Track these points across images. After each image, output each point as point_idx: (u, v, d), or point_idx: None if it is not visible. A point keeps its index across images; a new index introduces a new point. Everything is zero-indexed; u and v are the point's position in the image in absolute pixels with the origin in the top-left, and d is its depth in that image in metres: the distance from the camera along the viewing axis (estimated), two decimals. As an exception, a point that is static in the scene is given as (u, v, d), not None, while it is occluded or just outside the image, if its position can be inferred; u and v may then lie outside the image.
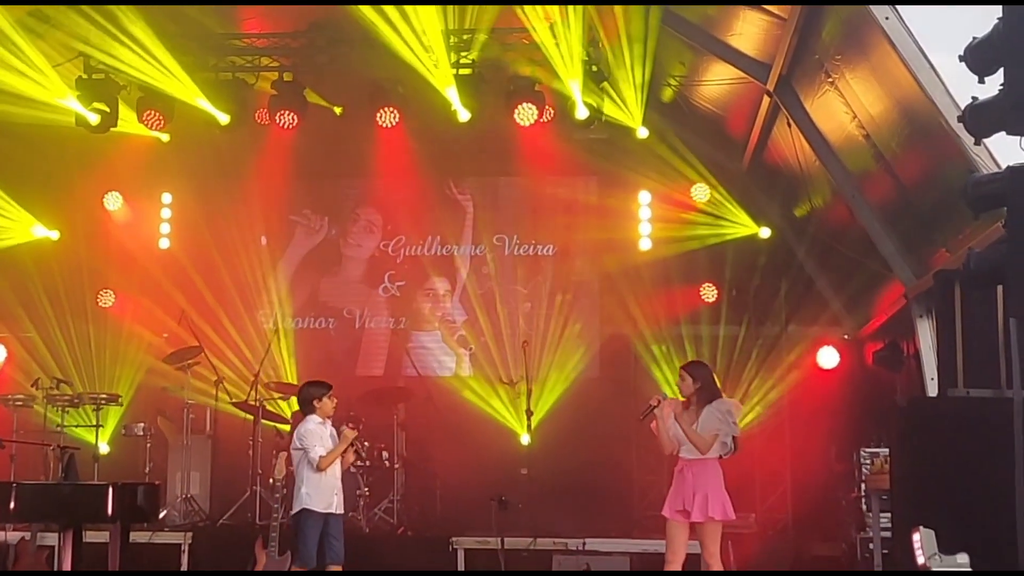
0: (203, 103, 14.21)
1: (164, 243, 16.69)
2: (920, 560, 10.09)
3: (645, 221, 16.04)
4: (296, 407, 14.52)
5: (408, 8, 12.93)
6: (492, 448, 15.02)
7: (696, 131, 15.48)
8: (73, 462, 11.37)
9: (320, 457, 10.45)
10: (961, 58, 6.90)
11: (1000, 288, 7.44)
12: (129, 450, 14.77)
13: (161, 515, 13.05)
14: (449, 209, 16.59)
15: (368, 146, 15.36)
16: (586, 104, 13.66)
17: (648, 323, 15.63)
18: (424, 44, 13.34)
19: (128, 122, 14.50)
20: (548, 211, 16.41)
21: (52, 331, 16.04)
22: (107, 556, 9.99)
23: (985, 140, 7.66)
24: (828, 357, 15.35)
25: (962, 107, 7.15)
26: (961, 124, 7.21)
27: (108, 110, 14.09)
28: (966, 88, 7.02)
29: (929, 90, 9.50)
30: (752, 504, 14.52)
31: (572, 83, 13.45)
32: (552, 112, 14.05)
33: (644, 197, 16.05)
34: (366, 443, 12.63)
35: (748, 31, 12.33)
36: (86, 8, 13.08)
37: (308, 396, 10.74)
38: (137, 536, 11.65)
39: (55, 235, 16.09)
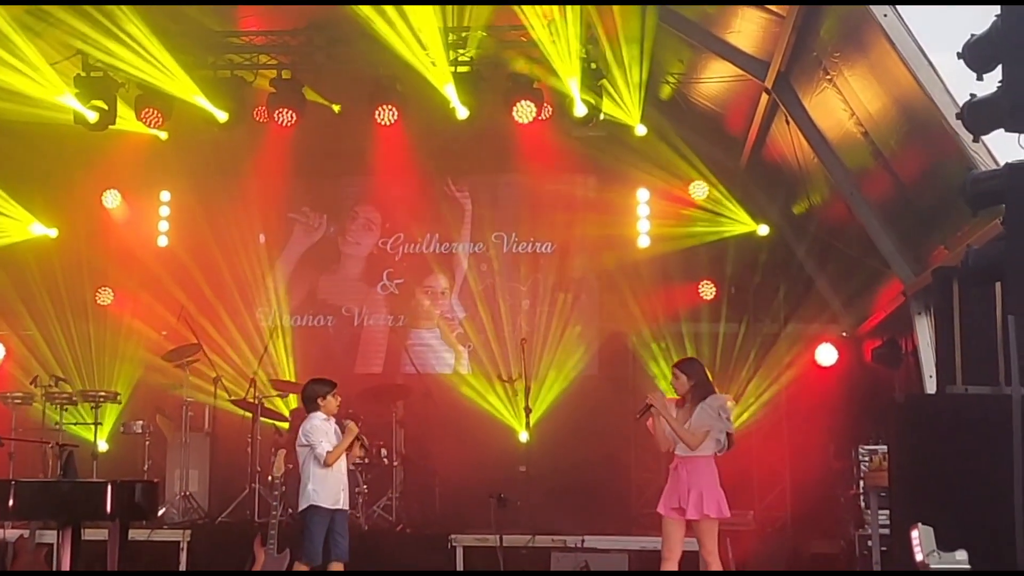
0: (201, 101, 14.21)
1: (163, 241, 16.70)
2: (919, 557, 10.10)
3: (644, 218, 16.05)
4: (295, 404, 14.65)
5: (406, 6, 12.93)
6: (491, 446, 15.03)
7: (695, 128, 15.48)
8: (72, 460, 11.33)
9: (327, 452, 10.46)
10: (959, 55, 6.91)
11: (998, 285, 7.46)
12: (128, 448, 14.78)
13: (160, 513, 13.04)
14: (448, 207, 16.60)
15: (367, 144, 15.37)
16: (584, 102, 13.65)
17: (647, 320, 15.63)
18: (422, 42, 13.34)
19: (126, 120, 14.50)
20: (547, 209, 16.40)
21: (51, 329, 16.06)
22: (106, 554, 9.99)
23: (983, 137, 7.66)
24: (826, 354, 15.36)
25: (960, 104, 7.16)
26: (959, 121, 7.23)
27: (106, 108, 14.10)
28: (964, 85, 7.04)
29: (927, 87, 9.50)
30: (751, 501, 14.53)
31: (570, 81, 13.44)
32: (550, 110, 14.06)
33: (643, 194, 16.06)
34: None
35: (747, 29, 12.33)
36: (84, 6, 13.07)
37: (312, 394, 10.75)
38: (136, 534, 11.64)
39: (54, 233, 16.10)
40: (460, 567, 12.78)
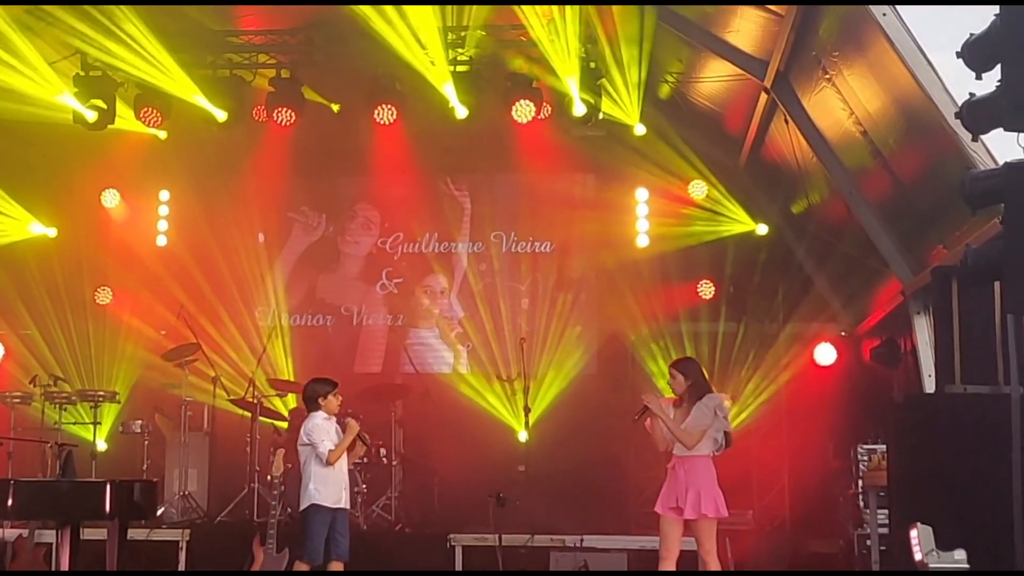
0: (201, 100, 14.20)
1: (162, 240, 16.69)
2: (917, 556, 10.11)
3: (643, 218, 16.06)
4: (294, 404, 14.66)
5: (405, 6, 12.93)
6: (490, 445, 15.03)
7: (693, 128, 15.48)
8: (71, 459, 11.32)
9: (329, 451, 10.47)
10: (958, 54, 6.92)
11: (997, 284, 7.46)
12: (127, 447, 14.76)
13: (159, 512, 13.01)
14: (447, 206, 16.60)
15: (366, 143, 15.37)
16: (583, 101, 13.66)
17: (646, 320, 15.63)
18: (422, 41, 13.34)
19: (126, 119, 14.49)
20: (546, 208, 16.40)
21: (50, 328, 16.05)
22: (105, 553, 9.98)
23: (982, 136, 7.66)
24: (825, 354, 15.37)
25: (959, 103, 7.16)
26: (958, 120, 7.23)
27: (105, 107, 14.09)
28: (963, 85, 7.04)
29: (926, 87, 9.50)
30: (750, 501, 14.54)
31: (569, 80, 13.44)
32: (549, 109, 14.06)
33: (641, 194, 16.06)
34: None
35: (746, 28, 12.33)
36: (83, 6, 13.07)
37: (313, 393, 10.75)
38: (135, 533, 11.63)
39: (53, 232, 16.10)
40: (459, 566, 12.78)
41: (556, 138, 14.92)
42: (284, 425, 14.32)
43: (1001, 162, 7.15)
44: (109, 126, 14.25)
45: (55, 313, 16.08)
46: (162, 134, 15.04)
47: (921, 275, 11.68)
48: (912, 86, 9.67)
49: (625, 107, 14.15)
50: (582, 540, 12.81)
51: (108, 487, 9.64)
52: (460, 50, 13.79)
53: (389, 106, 14.12)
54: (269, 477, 11.62)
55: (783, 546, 14.22)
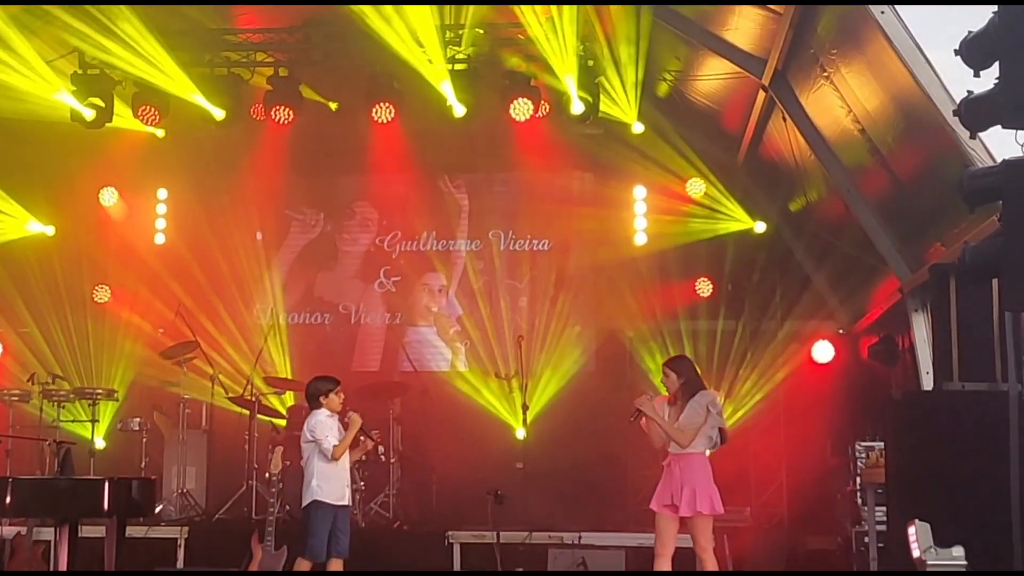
0: (198, 99, 14.20)
1: (160, 238, 16.69)
2: (916, 553, 10.11)
3: (640, 216, 16.06)
4: (292, 402, 14.66)
5: (403, 5, 12.94)
6: (488, 443, 15.03)
7: (691, 126, 15.48)
8: (69, 457, 11.34)
9: (333, 446, 10.49)
10: (957, 52, 6.92)
11: (995, 282, 7.46)
12: (125, 445, 14.76)
13: (157, 510, 13.00)
14: (445, 204, 16.59)
15: (363, 141, 15.37)
16: (581, 99, 13.67)
17: (644, 317, 15.64)
18: (419, 39, 13.34)
19: (123, 118, 14.48)
20: (544, 206, 16.39)
21: (48, 326, 16.04)
22: (103, 551, 10.00)
23: (980, 134, 7.67)
24: (823, 351, 15.37)
25: (957, 101, 7.17)
26: (956, 118, 7.23)
27: (103, 105, 14.09)
28: (962, 82, 7.04)
29: (924, 84, 9.50)
30: (747, 498, 14.55)
31: (567, 78, 13.45)
32: (547, 107, 14.08)
33: (639, 192, 16.07)
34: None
35: (743, 26, 12.33)
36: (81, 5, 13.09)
37: (316, 391, 10.77)
38: (133, 531, 11.64)
39: (51, 230, 16.09)
40: (457, 564, 12.79)
41: (554, 136, 14.94)
42: (282, 423, 14.33)
43: (999, 160, 7.15)
44: (107, 124, 14.25)
45: (53, 311, 16.08)
46: (160, 132, 15.03)
47: (919, 273, 11.68)
48: (910, 84, 9.67)
49: (623, 105, 14.16)
50: (580, 537, 12.83)
51: (106, 485, 9.66)
52: (458, 48, 13.79)
53: (387, 104, 14.13)
54: (267, 475, 11.62)
55: (781, 543, 14.22)
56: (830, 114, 11.96)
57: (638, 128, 14.47)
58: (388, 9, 12.95)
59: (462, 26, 13.69)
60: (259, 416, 14.25)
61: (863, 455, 12.45)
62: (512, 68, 13.94)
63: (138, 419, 14.54)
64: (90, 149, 15.18)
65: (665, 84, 14.98)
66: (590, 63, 13.71)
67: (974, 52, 6.83)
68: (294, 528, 12.21)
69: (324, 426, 10.59)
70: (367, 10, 12.92)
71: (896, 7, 9.52)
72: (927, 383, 11.61)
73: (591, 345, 16.13)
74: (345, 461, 10.74)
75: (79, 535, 9.84)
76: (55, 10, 13.13)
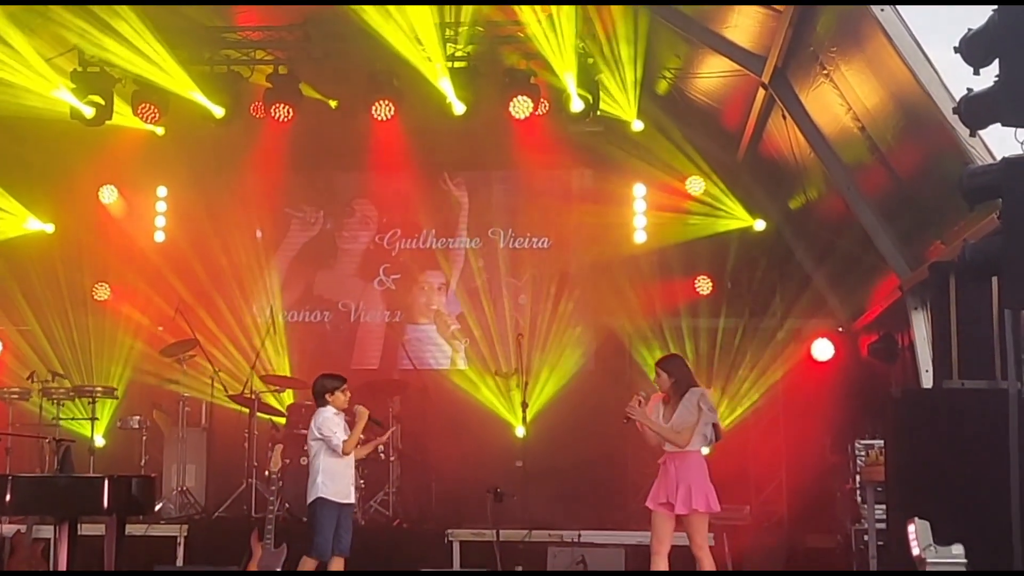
0: (198, 96, 14.22)
1: (159, 236, 16.67)
2: (915, 551, 10.11)
3: (640, 213, 16.05)
4: (291, 400, 14.65)
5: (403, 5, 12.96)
6: (488, 441, 15.02)
7: (691, 123, 15.48)
8: (69, 455, 11.32)
9: (343, 441, 10.52)
10: (956, 50, 6.92)
11: (995, 280, 7.47)
12: (125, 443, 14.76)
13: (157, 508, 13.02)
14: (444, 202, 16.59)
15: (363, 139, 15.36)
16: (581, 97, 13.68)
17: (643, 315, 15.63)
18: (419, 37, 13.34)
19: (123, 115, 14.49)
20: (543, 203, 16.39)
21: (48, 324, 16.03)
22: (103, 549, 10.00)
23: (980, 132, 7.67)
24: (823, 349, 15.36)
25: (957, 99, 7.16)
26: (956, 116, 7.22)
27: (103, 103, 14.12)
28: (961, 80, 7.04)
29: (924, 82, 9.49)
30: (747, 496, 14.56)
31: (567, 76, 13.46)
32: (547, 105, 14.10)
33: (639, 189, 16.06)
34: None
35: (743, 23, 12.32)
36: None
37: (322, 388, 10.79)
38: (133, 529, 11.62)
39: (50, 228, 16.09)
40: (457, 562, 12.79)
41: (554, 134, 14.94)
42: (282, 421, 14.32)
43: (999, 157, 7.15)
44: (107, 122, 14.27)
45: (53, 309, 16.06)
46: (160, 130, 15.04)
47: (919, 271, 11.68)
48: (910, 82, 9.66)
49: (623, 103, 14.18)
50: (579, 536, 12.82)
51: (106, 483, 9.64)
52: (458, 46, 13.80)
53: (387, 102, 14.14)
54: (267, 473, 11.64)
55: (780, 541, 14.24)
56: (830, 112, 11.95)
57: (638, 126, 14.49)
58: (388, 7, 12.95)
59: (462, 24, 13.69)
60: (259, 414, 14.24)
61: (863, 453, 12.46)
62: (512, 66, 13.95)
63: (138, 417, 14.54)
64: (90, 147, 15.17)
65: (665, 82, 14.97)
66: (590, 61, 13.71)
67: (974, 50, 6.83)
68: (294, 526, 12.26)
69: (331, 423, 10.62)
70: (367, 8, 12.92)
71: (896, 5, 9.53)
72: (927, 381, 11.60)
73: (591, 343, 16.12)
74: (351, 460, 10.78)
75: (79, 533, 9.83)
76: (55, 8, 13.14)
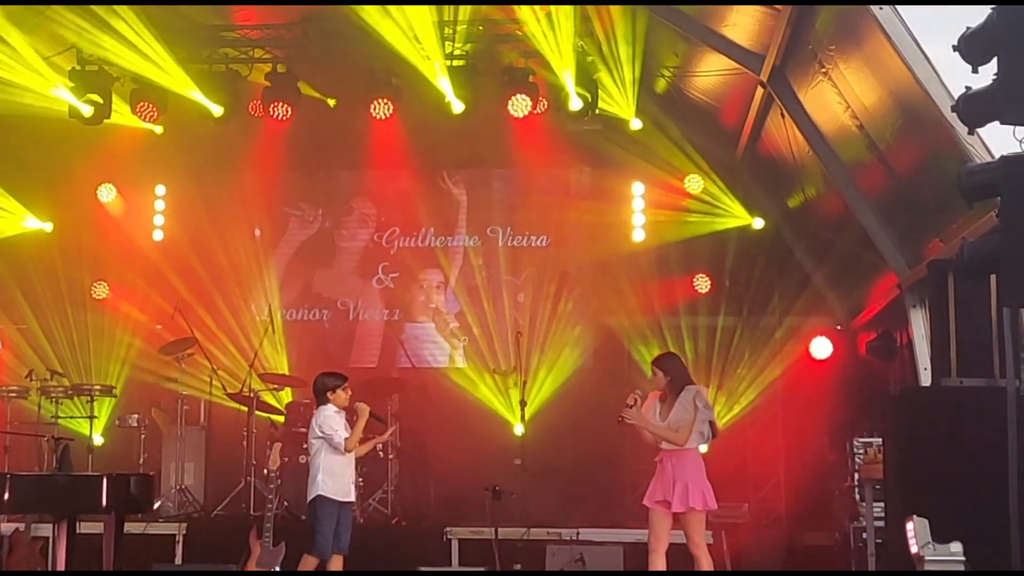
0: (196, 95, 14.22)
1: (158, 235, 16.66)
2: (914, 549, 10.10)
3: (639, 212, 16.04)
4: (290, 398, 14.65)
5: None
6: (486, 439, 15.02)
7: (690, 122, 15.48)
8: (67, 453, 11.32)
9: (345, 439, 10.53)
10: (955, 48, 6.92)
11: (993, 277, 7.47)
12: (123, 441, 14.78)
13: (155, 506, 13.03)
14: (443, 200, 16.58)
15: (362, 138, 15.37)
16: (579, 95, 13.68)
17: (642, 314, 15.63)
18: (418, 36, 13.34)
19: (122, 114, 14.49)
20: (542, 202, 16.38)
21: (46, 322, 16.01)
22: (101, 547, 9.98)
23: (979, 130, 7.67)
24: (821, 347, 15.36)
25: (956, 97, 7.17)
26: (955, 114, 7.23)
27: (101, 102, 14.11)
28: (960, 78, 7.05)
29: (923, 80, 9.50)
30: (745, 494, 14.55)
31: (566, 74, 13.46)
32: (546, 103, 14.10)
33: (638, 188, 16.06)
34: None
35: (742, 22, 12.32)
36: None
37: (323, 387, 10.79)
38: (131, 527, 11.58)
39: (48, 227, 16.07)
40: (455, 560, 12.79)
41: (552, 132, 14.94)
42: (280, 419, 14.32)
43: (997, 155, 7.16)
44: (105, 121, 14.26)
45: (52, 307, 16.05)
46: (158, 129, 15.02)
47: (917, 269, 11.69)
48: (908, 80, 9.67)
49: (621, 101, 14.17)
50: (578, 533, 12.82)
51: (105, 481, 9.63)
52: (456, 45, 13.79)
53: (385, 100, 14.14)
54: (266, 471, 11.62)
55: (779, 539, 14.22)
56: (828, 110, 11.95)
57: (636, 124, 14.49)
58: (387, 6, 12.95)
59: (460, 22, 13.68)
60: (257, 413, 14.24)
61: (861, 451, 12.46)
62: (511, 64, 13.95)
63: (136, 415, 14.54)
64: (88, 145, 15.17)
65: (663, 80, 14.98)
66: (588, 59, 13.71)
67: (972, 48, 6.83)
68: (292, 524, 12.27)
69: (332, 421, 10.63)
70: (366, 6, 12.91)
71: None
72: (925, 379, 11.61)
73: (589, 341, 16.11)
74: (351, 458, 10.79)
75: (77, 531, 9.82)
76: (53, 6, 13.13)
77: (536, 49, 13.42)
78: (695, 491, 9.79)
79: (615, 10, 13.29)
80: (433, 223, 16.56)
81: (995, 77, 6.73)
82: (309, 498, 10.60)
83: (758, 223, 15.60)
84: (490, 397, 15.70)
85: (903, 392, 10.67)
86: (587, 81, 13.75)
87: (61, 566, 9.73)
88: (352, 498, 10.88)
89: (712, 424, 10.06)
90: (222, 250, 16.19)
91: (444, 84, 13.75)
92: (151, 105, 14.38)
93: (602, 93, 14.01)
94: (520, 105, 13.80)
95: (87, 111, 14.01)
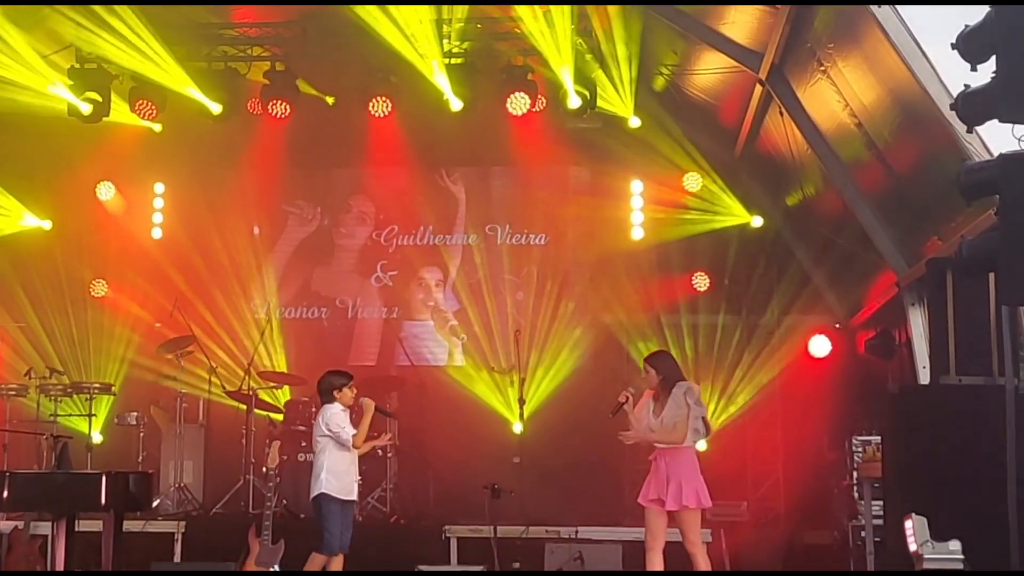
0: (195, 93, 14.22)
1: (157, 233, 16.64)
2: (912, 547, 10.12)
3: (637, 210, 16.03)
4: (289, 396, 14.65)
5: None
6: (485, 437, 15.02)
7: (689, 120, 15.47)
8: (66, 451, 11.32)
9: (353, 436, 10.57)
10: (953, 46, 6.92)
11: (992, 276, 7.47)
12: (122, 439, 14.77)
13: (154, 504, 13.05)
14: (441, 198, 16.57)
15: (360, 136, 15.37)
16: (578, 93, 13.68)
17: (640, 312, 15.62)
18: (416, 34, 13.34)
19: (120, 112, 14.49)
20: (540, 200, 16.38)
21: (45, 320, 16.01)
22: (100, 545, 9.98)
23: (977, 128, 7.67)
24: (820, 346, 15.36)
25: (954, 95, 7.17)
26: (953, 112, 7.23)
27: (100, 100, 14.10)
28: (958, 76, 7.04)
29: (921, 78, 9.50)
30: (744, 492, 14.56)
31: (564, 72, 13.45)
32: (544, 101, 14.10)
33: (636, 186, 16.04)
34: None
35: (741, 20, 12.32)
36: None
37: (329, 385, 10.83)
38: (130, 525, 11.59)
39: (47, 225, 16.06)
40: (454, 558, 12.80)
41: (551, 130, 14.95)
42: (279, 417, 14.32)
43: (996, 153, 7.16)
44: (104, 119, 14.26)
45: (50, 305, 16.05)
46: (157, 127, 15.04)
47: (916, 267, 11.69)
48: (907, 78, 9.67)
49: (620, 99, 14.17)
50: (577, 532, 12.83)
51: (104, 479, 9.62)
52: (455, 42, 13.80)
53: (384, 98, 14.15)
54: (264, 469, 11.61)
55: (778, 538, 14.21)
56: (827, 108, 11.96)
57: (635, 122, 14.49)
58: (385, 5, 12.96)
59: (459, 20, 13.68)
60: (256, 411, 14.24)
61: (860, 449, 12.46)
62: (509, 62, 13.95)
63: (135, 413, 14.54)
64: (87, 143, 15.15)
65: (662, 78, 14.98)
66: (587, 57, 13.71)
67: (971, 46, 6.83)
68: (291, 522, 12.27)
69: (340, 418, 10.71)
70: (364, 5, 12.91)
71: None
72: (924, 377, 11.62)
73: (588, 339, 16.10)
74: (355, 457, 10.84)
75: (76, 529, 9.83)
76: (52, 5, 13.13)
77: (534, 47, 13.42)
78: (688, 489, 9.80)
79: (613, 8, 13.28)
80: (432, 221, 16.55)
81: (994, 75, 6.72)
82: (312, 495, 10.64)
83: (757, 221, 15.60)
84: (489, 395, 15.70)
85: (902, 390, 10.64)
86: (585, 79, 13.75)
87: (60, 564, 9.73)
88: (354, 497, 10.92)
89: (704, 420, 10.08)
90: (221, 248, 16.18)
91: (442, 82, 13.75)
92: (150, 103, 14.38)
93: (600, 91, 14.02)
94: (519, 103, 13.80)
95: (86, 109, 14.01)
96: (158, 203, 16.69)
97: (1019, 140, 6.71)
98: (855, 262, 13.83)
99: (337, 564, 10.65)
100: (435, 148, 15.90)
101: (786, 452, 15.06)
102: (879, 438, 11.41)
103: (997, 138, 7.78)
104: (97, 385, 14.55)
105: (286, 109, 14.35)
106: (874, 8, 9.56)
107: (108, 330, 15.95)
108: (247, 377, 14.40)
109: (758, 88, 13.02)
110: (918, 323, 12.09)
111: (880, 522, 11.41)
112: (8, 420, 14.24)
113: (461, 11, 13.62)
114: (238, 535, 11.57)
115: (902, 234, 12.20)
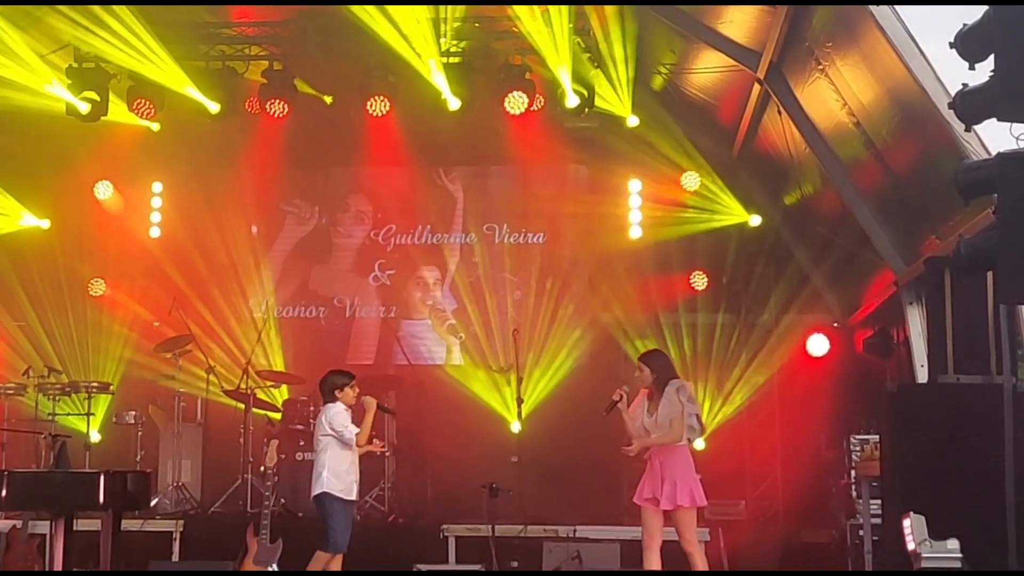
0: (193, 92, 14.21)
1: (155, 232, 16.63)
2: (911, 546, 10.13)
3: (635, 209, 16.02)
4: (287, 395, 14.65)
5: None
6: (483, 436, 15.01)
7: (687, 119, 15.46)
8: (64, 450, 11.36)
9: (356, 434, 10.60)
10: (952, 45, 6.91)
11: (990, 275, 7.47)
12: (120, 438, 14.77)
13: (153, 503, 13.05)
14: (439, 197, 16.57)
15: (358, 135, 15.36)
16: (576, 92, 13.68)
17: (638, 311, 15.62)
18: (414, 33, 13.34)
19: (118, 111, 14.49)
20: (538, 199, 16.38)
21: (43, 320, 16.00)
22: (99, 544, 10.00)
23: (975, 127, 7.67)
24: (818, 344, 15.36)
25: (952, 94, 7.17)
26: (951, 111, 7.23)
27: (98, 99, 14.10)
28: (956, 75, 7.04)
29: (920, 77, 9.51)
30: (743, 491, 14.58)
31: (562, 71, 13.45)
32: (542, 100, 14.08)
33: (634, 185, 16.04)
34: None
35: (739, 19, 12.32)
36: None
37: (332, 385, 10.85)
38: (129, 524, 11.62)
39: (46, 224, 16.06)
40: (452, 557, 12.80)
41: (549, 129, 14.94)
42: (277, 416, 14.32)
43: (994, 152, 7.16)
44: (102, 118, 14.26)
45: (49, 304, 16.04)
46: (155, 126, 15.03)
47: (914, 266, 11.70)
48: (905, 76, 9.68)
49: (618, 99, 14.18)
50: (575, 531, 12.83)
51: (102, 478, 9.66)
52: (453, 41, 13.80)
53: (382, 98, 14.14)
54: (263, 468, 11.61)
55: (776, 536, 14.24)
56: (825, 107, 11.96)
57: (633, 121, 14.49)
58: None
59: (456, 19, 13.68)
60: (254, 410, 14.24)
61: (858, 448, 12.46)
62: (507, 61, 13.94)
63: (133, 412, 14.52)
64: (85, 143, 15.15)
65: (660, 77, 14.98)
66: (585, 56, 13.71)
67: (969, 45, 6.82)
68: (289, 521, 12.27)
69: (343, 417, 10.73)
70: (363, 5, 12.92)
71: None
72: (922, 376, 11.63)
73: (586, 338, 16.09)
74: (356, 456, 10.85)
75: (74, 528, 9.84)
76: (51, 5, 13.13)
77: (532, 46, 13.42)
78: (683, 488, 9.81)
79: (611, 7, 13.29)
80: (430, 220, 16.55)
81: (992, 74, 6.72)
82: (314, 494, 10.65)
83: (755, 220, 15.59)
84: (487, 394, 15.70)
85: (900, 389, 10.64)
86: (583, 78, 13.75)
87: (58, 563, 9.75)
88: (355, 496, 10.92)
89: (698, 418, 10.10)
90: (219, 247, 16.18)
91: (440, 81, 13.75)
92: (148, 102, 14.38)
93: (598, 90, 14.02)
94: (517, 102, 13.80)
95: (84, 108, 14.01)
96: (156, 202, 16.68)
97: (1017, 139, 6.70)
98: (853, 261, 13.84)
99: (336, 564, 10.66)
100: (433, 147, 15.90)
101: (784, 451, 15.06)
102: (877, 437, 11.40)
103: (995, 137, 7.79)
104: (95, 384, 14.53)
105: (284, 108, 14.35)
106: (872, 7, 9.57)
107: (106, 329, 15.95)
108: (245, 376, 14.40)
109: (756, 87, 13.02)
110: (916, 322, 12.09)
111: (878, 521, 11.42)
112: (6, 419, 14.25)
113: (459, 10, 13.61)
114: (236, 534, 11.56)
115: (900, 233, 12.20)
